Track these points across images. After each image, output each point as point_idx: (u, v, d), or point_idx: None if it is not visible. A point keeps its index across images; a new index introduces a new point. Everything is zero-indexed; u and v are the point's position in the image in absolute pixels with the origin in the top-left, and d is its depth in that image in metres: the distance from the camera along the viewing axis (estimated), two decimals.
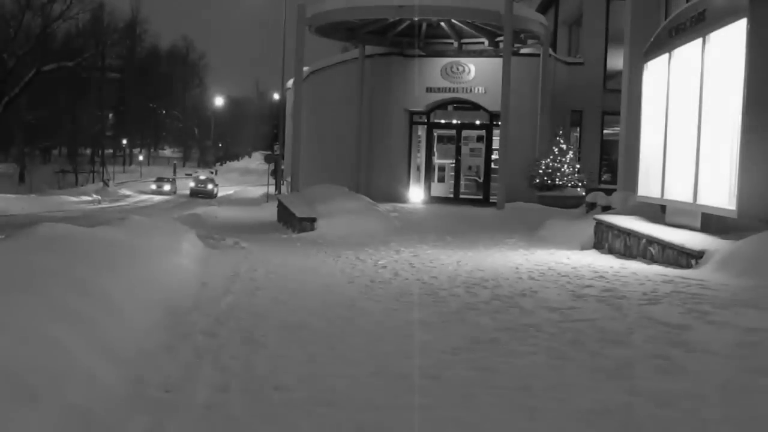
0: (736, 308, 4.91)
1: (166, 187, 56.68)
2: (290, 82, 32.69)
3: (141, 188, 58.08)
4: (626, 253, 9.42)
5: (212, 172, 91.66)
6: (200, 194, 50.82)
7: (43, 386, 2.80)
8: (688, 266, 7.53)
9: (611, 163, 23.00)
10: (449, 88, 22.03)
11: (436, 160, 23.26)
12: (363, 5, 19.93)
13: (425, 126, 22.90)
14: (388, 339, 4.53)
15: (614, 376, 3.57)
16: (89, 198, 46.59)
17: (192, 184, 54.20)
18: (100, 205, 41.93)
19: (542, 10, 27.76)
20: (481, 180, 22.90)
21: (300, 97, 21.36)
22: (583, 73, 24.12)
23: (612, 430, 2.88)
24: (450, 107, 23.05)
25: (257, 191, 53.11)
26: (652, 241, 8.69)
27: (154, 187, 56.76)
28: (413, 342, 4.44)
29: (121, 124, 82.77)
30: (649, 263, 8.39)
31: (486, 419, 2.99)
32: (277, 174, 44.16)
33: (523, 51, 22.72)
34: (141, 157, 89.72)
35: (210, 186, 52.88)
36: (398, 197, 21.15)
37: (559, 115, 22.76)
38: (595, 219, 11.18)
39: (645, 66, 11.04)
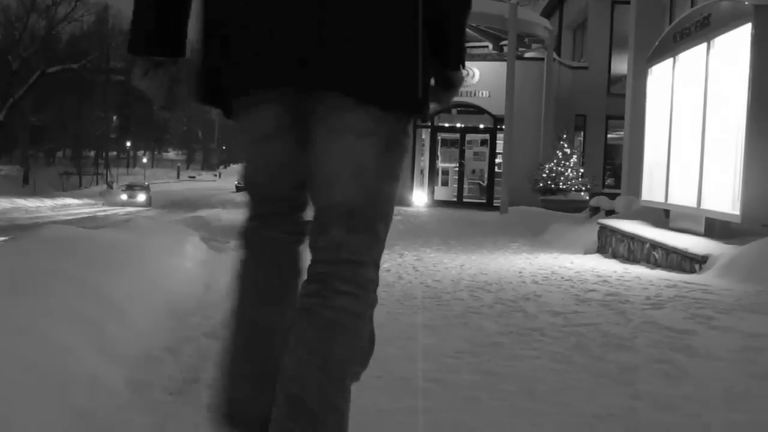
0: (739, 313, 4.90)
1: (140, 197, 46.38)
2: None
3: (113, 198, 48.81)
4: (630, 258, 9.42)
5: (216, 175, 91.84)
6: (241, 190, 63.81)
7: (46, 387, 2.81)
8: (692, 271, 7.52)
9: (615, 168, 23.01)
10: None
11: (440, 164, 23.28)
12: None
13: (429, 129, 22.93)
14: (391, 342, 4.52)
15: (617, 380, 3.57)
16: (92, 201, 46.46)
17: (236, 181, 65.68)
18: (101, 208, 41.58)
19: (547, 14, 27.80)
20: (484, 184, 22.93)
21: None
22: (588, 77, 24.13)
23: None
24: (454, 111, 23.08)
25: None
26: (655, 245, 8.69)
27: (124, 197, 46.31)
28: (416, 345, 4.43)
29: (125, 127, 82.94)
30: (652, 268, 8.39)
31: (489, 423, 2.99)
32: None
33: (527, 55, 22.74)
34: (145, 160, 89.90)
35: None
36: (401, 201, 21.18)
37: (563, 119, 22.76)
38: (598, 223, 11.18)
39: (649, 70, 11.05)
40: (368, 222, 1.76)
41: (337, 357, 1.70)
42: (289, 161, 1.82)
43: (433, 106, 1.93)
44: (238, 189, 64.51)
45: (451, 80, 1.98)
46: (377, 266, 1.82)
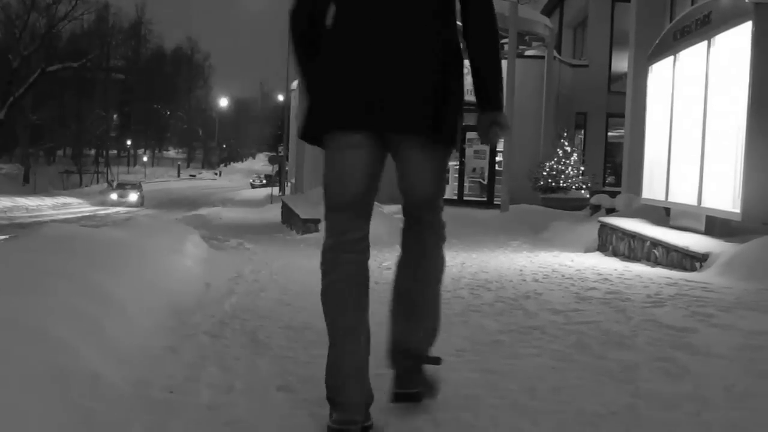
0: (740, 311, 4.91)
1: (132, 197, 43.80)
2: (295, 83, 32.69)
3: (103, 198, 46.13)
4: (630, 256, 9.42)
5: (216, 174, 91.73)
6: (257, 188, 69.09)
7: (47, 385, 2.81)
8: (693, 269, 7.52)
9: (615, 166, 23.01)
10: None
11: None
12: None
13: None
14: None
15: (618, 378, 3.57)
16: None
17: (251, 180, 72.48)
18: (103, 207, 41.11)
19: (547, 12, 27.78)
20: (485, 182, 22.88)
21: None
22: (588, 75, 24.10)
23: None
24: None
25: (261, 192, 53.18)
26: (656, 243, 8.69)
27: (114, 196, 43.87)
28: None
29: (126, 125, 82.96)
30: (653, 266, 8.39)
31: (489, 421, 2.99)
32: (281, 175, 44.16)
33: (527, 53, 22.71)
34: (145, 158, 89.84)
35: (265, 182, 70.05)
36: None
37: (563, 117, 22.74)
38: (599, 221, 11.18)
39: (650, 68, 11.04)
40: (438, 196, 3.00)
41: (435, 264, 3.08)
42: (365, 174, 2.77)
43: (484, 141, 2.89)
44: (253, 186, 67.20)
45: (497, 120, 2.79)
46: (441, 211, 3.04)
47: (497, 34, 2.83)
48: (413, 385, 3.03)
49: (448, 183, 23.42)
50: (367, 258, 2.79)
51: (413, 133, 2.72)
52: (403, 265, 3.03)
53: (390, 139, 2.75)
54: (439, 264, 3.10)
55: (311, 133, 2.81)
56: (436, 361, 3.11)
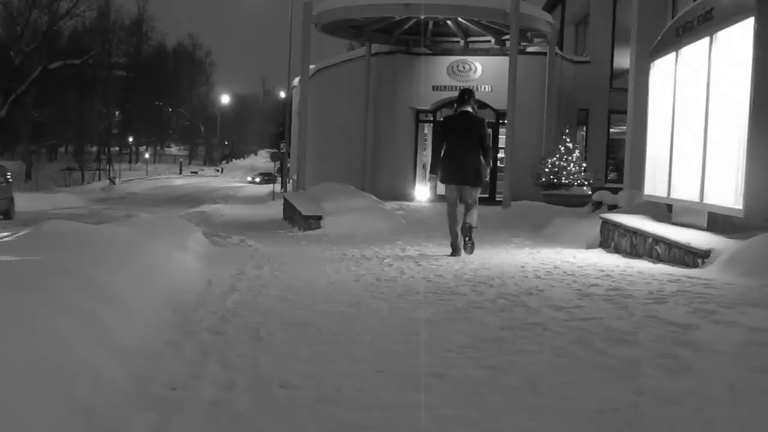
0: (742, 308, 4.89)
1: None
2: (296, 80, 32.68)
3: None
4: (632, 252, 9.40)
5: (218, 170, 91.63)
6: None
7: (48, 382, 2.81)
8: (695, 265, 7.51)
9: (617, 162, 22.97)
10: (455, 87, 21.97)
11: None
12: (369, 3, 19.89)
13: (431, 124, 22.86)
14: (393, 337, 4.53)
15: (620, 375, 3.56)
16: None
17: (257, 179, 72.08)
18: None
19: (549, 8, 27.72)
20: (487, 178, 22.82)
21: (306, 95, 21.35)
22: (590, 71, 24.04)
23: (618, 429, 2.88)
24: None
25: (263, 189, 53.08)
26: (658, 240, 8.67)
27: None
28: (419, 340, 4.44)
29: (128, 122, 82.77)
30: (655, 262, 8.37)
31: (492, 418, 2.99)
32: (282, 172, 44.09)
33: (529, 49, 22.66)
34: (147, 155, 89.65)
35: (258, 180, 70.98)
36: (404, 195, 21.14)
37: (565, 113, 22.69)
38: (601, 218, 11.15)
39: (652, 65, 11.01)
40: (474, 201, 9.60)
41: (473, 217, 9.54)
42: (456, 195, 9.54)
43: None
44: (258, 182, 68.15)
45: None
46: (476, 202, 9.71)
47: (490, 155, 10.51)
48: (469, 245, 9.42)
49: None
50: (457, 211, 9.44)
51: (468, 185, 9.46)
52: (463, 213, 9.40)
53: (461, 185, 9.48)
54: (474, 214, 9.46)
55: (444, 182, 9.57)
56: (474, 231, 9.51)
